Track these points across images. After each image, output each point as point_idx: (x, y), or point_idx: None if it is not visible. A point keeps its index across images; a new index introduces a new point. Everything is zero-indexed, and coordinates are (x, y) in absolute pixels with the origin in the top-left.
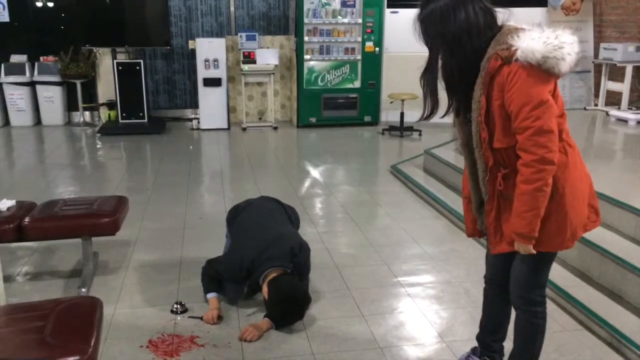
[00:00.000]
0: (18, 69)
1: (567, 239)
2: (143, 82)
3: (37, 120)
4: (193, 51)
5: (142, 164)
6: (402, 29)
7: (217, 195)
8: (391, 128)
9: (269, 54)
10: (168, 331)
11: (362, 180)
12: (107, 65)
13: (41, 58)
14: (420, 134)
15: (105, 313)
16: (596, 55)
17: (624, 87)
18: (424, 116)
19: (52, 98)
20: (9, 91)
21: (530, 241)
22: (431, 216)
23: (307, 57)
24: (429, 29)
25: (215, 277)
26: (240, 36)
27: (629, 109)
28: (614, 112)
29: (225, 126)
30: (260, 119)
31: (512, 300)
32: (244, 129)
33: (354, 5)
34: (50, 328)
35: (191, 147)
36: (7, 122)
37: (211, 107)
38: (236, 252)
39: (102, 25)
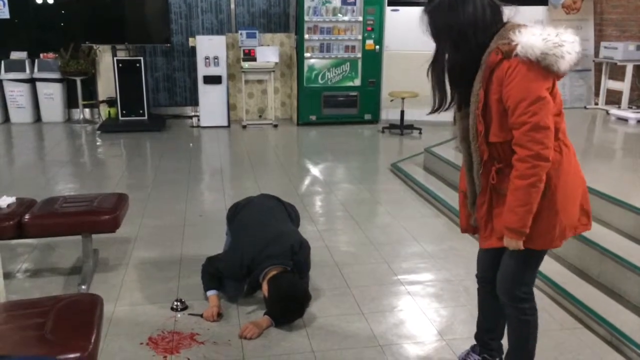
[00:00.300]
0: (18, 66)
1: (555, 237)
2: (143, 79)
3: (37, 117)
4: (193, 48)
5: (142, 162)
6: (402, 27)
7: (217, 193)
8: (391, 126)
9: (269, 52)
10: (168, 328)
11: (362, 178)
12: (107, 63)
13: (41, 55)
14: (420, 132)
15: (106, 310)
16: (596, 54)
17: (624, 86)
18: (433, 109)
19: (52, 95)
20: (9, 88)
21: (520, 237)
22: (431, 214)
23: (307, 54)
24: (436, 21)
25: (215, 274)
26: (241, 34)
27: (629, 107)
28: (614, 111)
29: (226, 124)
30: (260, 116)
31: (499, 296)
32: (244, 127)
33: (354, 3)
34: (51, 325)
35: (191, 144)
36: (7, 119)
37: (211, 105)
38: (236, 250)
39: (103, 22)
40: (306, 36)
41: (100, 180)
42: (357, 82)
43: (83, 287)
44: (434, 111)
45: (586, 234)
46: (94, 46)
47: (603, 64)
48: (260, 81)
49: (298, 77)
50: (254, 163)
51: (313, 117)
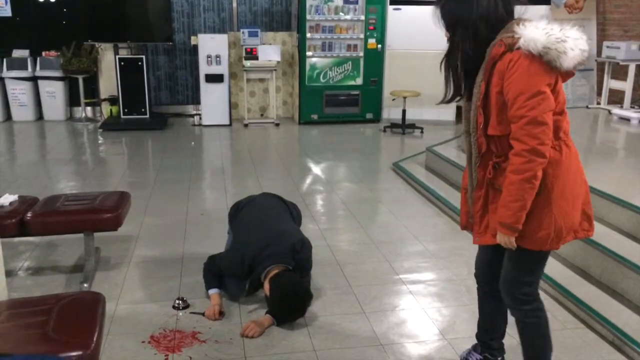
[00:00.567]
0: (20, 64)
1: (550, 238)
2: (145, 77)
3: (39, 115)
4: (195, 47)
5: (143, 160)
6: (404, 26)
7: (219, 192)
8: (393, 125)
9: (271, 51)
10: (170, 327)
11: (364, 177)
12: (109, 61)
13: (43, 53)
14: (422, 132)
15: (107, 308)
16: (599, 53)
17: (626, 86)
18: (444, 100)
19: (54, 93)
20: (11, 86)
21: (513, 233)
22: (433, 214)
23: (309, 53)
24: (449, 12)
25: (217, 273)
26: (243, 32)
27: (631, 107)
28: (616, 110)
29: (227, 122)
30: (262, 115)
31: (503, 298)
32: (246, 126)
33: (356, 2)
34: (53, 323)
35: (193, 143)
36: (9, 117)
37: (213, 103)
38: (237, 249)
39: (105, 21)
40: (308, 35)
41: (102, 178)
42: (359, 81)
43: (85, 285)
44: (443, 102)
45: None
46: (96, 44)
47: (605, 64)
48: (262, 80)
49: (300, 75)
50: (256, 162)
51: (315, 116)
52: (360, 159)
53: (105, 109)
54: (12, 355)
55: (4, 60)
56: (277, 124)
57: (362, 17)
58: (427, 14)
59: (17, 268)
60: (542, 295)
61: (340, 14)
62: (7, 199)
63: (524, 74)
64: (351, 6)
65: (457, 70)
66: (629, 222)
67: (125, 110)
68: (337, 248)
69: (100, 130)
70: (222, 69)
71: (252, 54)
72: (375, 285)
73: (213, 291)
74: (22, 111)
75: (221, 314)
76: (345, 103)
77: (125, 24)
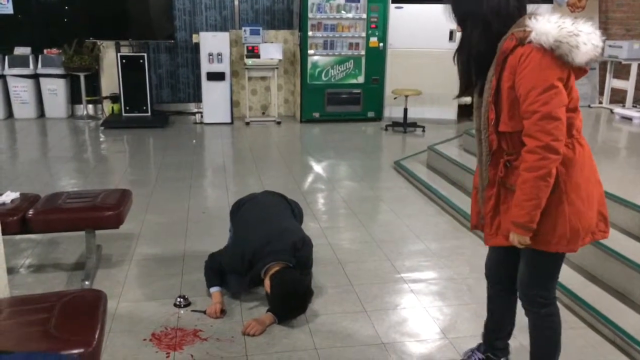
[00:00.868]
0: (22, 61)
1: (566, 239)
2: (147, 75)
3: (41, 113)
4: (197, 45)
5: (145, 158)
6: (406, 24)
7: (220, 190)
8: (394, 124)
9: (272, 49)
10: (171, 325)
11: (365, 176)
12: (110, 59)
13: (45, 50)
14: (423, 130)
15: (109, 306)
16: (601, 52)
17: (628, 85)
18: (458, 95)
19: (55, 91)
20: (12, 83)
21: (527, 232)
22: (434, 212)
23: (311, 52)
24: (460, 6)
25: (218, 270)
26: (244, 30)
27: (633, 107)
28: (618, 110)
29: (229, 120)
30: (263, 113)
31: (520, 300)
32: (247, 124)
33: (358, 1)
34: (55, 320)
35: (194, 141)
36: (10, 115)
37: (214, 101)
38: (238, 244)
39: (106, 18)
40: (310, 33)
41: (103, 176)
42: (361, 79)
43: (86, 282)
44: (458, 96)
45: None
46: (98, 42)
47: (608, 63)
48: (263, 78)
49: (301, 74)
50: (257, 160)
51: (316, 114)
52: (361, 158)
53: (107, 106)
54: (13, 353)
55: (6, 57)
56: (279, 122)
57: (364, 16)
58: (429, 12)
59: (19, 265)
60: None
61: (342, 12)
62: (9, 196)
63: (535, 68)
64: (353, 4)
65: (467, 64)
66: (632, 222)
67: (127, 108)
68: (339, 246)
69: (102, 128)
70: (224, 67)
71: (253, 52)
72: (376, 283)
73: (214, 289)
74: (23, 109)
75: (222, 312)
76: (347, 101)
77: (127, 22)
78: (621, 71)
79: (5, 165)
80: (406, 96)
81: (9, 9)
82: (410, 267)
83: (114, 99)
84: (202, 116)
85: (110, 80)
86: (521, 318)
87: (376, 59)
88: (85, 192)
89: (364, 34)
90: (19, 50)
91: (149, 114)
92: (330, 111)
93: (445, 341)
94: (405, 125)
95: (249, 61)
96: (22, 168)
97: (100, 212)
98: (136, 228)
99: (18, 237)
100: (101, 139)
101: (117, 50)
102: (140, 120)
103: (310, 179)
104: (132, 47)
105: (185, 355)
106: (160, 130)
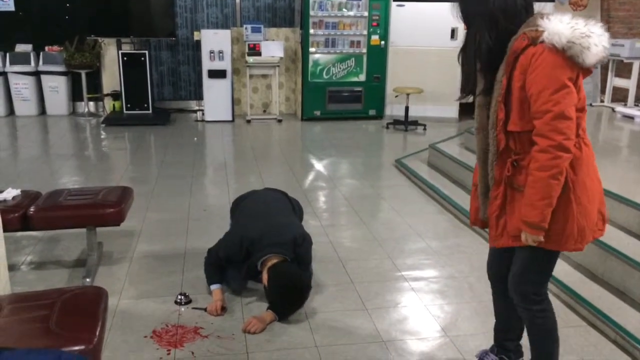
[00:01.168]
0: (23, 59)
1: (574, 238)
2: (148, 73)
3: (42, 110)
4: (198, 42)
5: (146, 155)
6: (408, 22)
7: (221, 187)
8: (396, 122)
9: (274, 46)
10: (172, 322)
11: (366, 174)
12: (112, 56)
13: (46, 48)
14: (424, 128)
15: (110, 303)
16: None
17: (630, 84)
18: (460, 96)
19: (56, 88)
20: (13, 80)
21: (539, 232)
22: (435, 211)
23: (312, 49)
24: (468, 5)
25: (217, 264)
26: (246, 28)
27: (635, 105)
28: (620, 108)
29: (230, 118)
30: (264, 111)
31: (513, 300)
32: (249, 121)
33: None
34: (56, 317)
35: (195, 138)
36: (11, 112)
37: (216, 99)
38: (237, 232)
39: (108, 16)
40: (311, 31)
41: (104, 173)
42: (362, 77)
43: (87, 279)
44: (461, 97)
45: None
46: (99, 39)
47: (609, 62)
48: (264, 76)
49: (303, 72)
50: (258, 158)
51: (317, 112)
52: (362, 156)
53: (108, 104)
54: (14, 349)
55: (7, 54)
56: (280, 120)
57: (366, 14)
58: (431, 10)
59: (20, 262)
60: None
61: (344, 10)
62: (10, 193)
63: (547, 68)
64: (354, 2)
65: (473, 63)
66: (633, 220)
67: (128, 105)
68: (339, 244)
69: (103, 125)
70: (225, 64)
71: (255, 50)
72: (377, 281)
73: (215, 287)
74: (24, 106)
75: (223, 309)
76: (348, 99)
77: (129, 19)
78: (623, 70)
79: (6, 162)
80: (407, 94)
81: (10, 6)
82: (411, 265)
83: (115, 96)
84: (203, 114)
85: (112, 77)
86: None
87: (377, 57)
88: (87, 190)
89: (365, 32)
90: (20, 48)
91: (150, 111)
92: (332, 109)
93: (445, 339)
94: (406, 124)
95: (250, 59)
96: (23, 165)
97: (101, 209)
98: (137, 225)
99: (19, 234)
100: (102, 137)
101: (119, 47)
102: (142, 118)
103: (311, 176)
104: (134, 45)
105: (186, 352)
106: (162, 127)
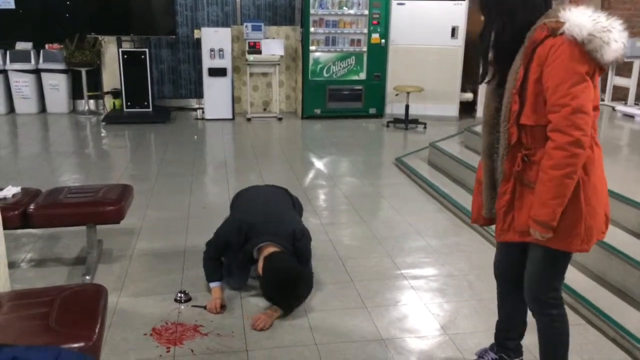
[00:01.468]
0: (23, 57)
1: (581, 238)
2: (148, 71)
3: (42, 108)
4: (198, 41)
5: (146, 153)
6: (408, 21)
7: (221, 185)
8: (396, 120)
9: (274, 45)
10: (172, 320)
11: (367, 172)
12: (112, 54)
13: (46, 45)
14: (425, 127)
15: (109, 301)
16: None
17: (631, 83)
18: (481, 81)
19: (57, 86)
20: (14, 78)
21: (549, 230)
22: (435, 209)
23: (312, 48)
24: None
25: (216, 258)
26: (246, 26)
27: (635, 104)
28: (620, 107)
29: (230, 116)
30: (265, 109)
31: (529, 306)
32: (249, 120)
33: None
34: (55, 315)
35: (195, 137)
36: (12, 110)
37: (216, 97)
38: (236, 217)
39: (108, 14)
40: (312, 29)
41: (104, 171)
42: (362, 76)
43: (87, 277)
44: (481, 82)
45: None
46: (99, 37)
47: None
48: (265, 74)
49: (303, 70)
50: (258, 156)
51: (318, 111)
52: (362, 154)
53: (108, 102)
54: (14, 346)
55: (7, 52)
56: (280, 119)
57: (366, 12)
58: (431, 8)
59: (20, 260)
60: None
61: (344, 8)
62: (10, 190)
63: (566, 61)
64: (355, 1)
65: (487, 51)
66: (634, 220)
67: (128, 103)
68: (339, 242)
69: (103, 123)
70: (225, 62)
71: (255, 48)
72: (377, 280)
73: (214, 284)
74: (25, 104)
75: (223, 307)
76: (349, 98)
77: (129, 17)
78: (623, 69)
79: (6, 160)
80: (408, 93)
81: (10, 4)
82: (410, 264)
83: (116, 94)
84: (203, 112)
85: (112, 75)
86: (529, 319)
87: (378, 56)
88: (87, 187)
89: (365, 31)
90: (20, 45)
91: (151, 109)
92: (332, 107)
93: (445, 337)
94: (406, 122)
95: (251, 57)
96: (23, 163)
97: (101, 207)
98: (137, 223)
99: (19, 231)
100: (102, 135)
101: (119, 45)
102: (142, 116)
103: (311, 175)
104: (134, 43)
105: (185, 350)
106: (162, 125)
